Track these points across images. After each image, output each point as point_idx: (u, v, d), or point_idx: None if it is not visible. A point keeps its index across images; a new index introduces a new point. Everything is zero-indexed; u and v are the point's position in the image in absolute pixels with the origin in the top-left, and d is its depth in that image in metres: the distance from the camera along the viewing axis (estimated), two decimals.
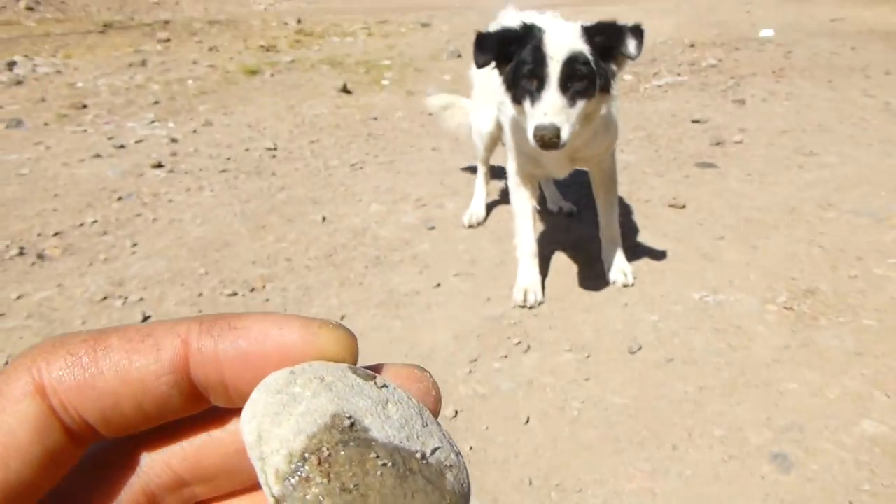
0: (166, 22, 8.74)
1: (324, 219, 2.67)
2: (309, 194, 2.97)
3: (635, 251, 2.32)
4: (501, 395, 1.59)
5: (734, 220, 2.59)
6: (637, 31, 1.69)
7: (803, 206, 2.71)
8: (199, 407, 0.25)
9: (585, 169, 2.19)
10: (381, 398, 0.24)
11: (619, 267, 2.13)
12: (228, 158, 3.64)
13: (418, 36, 8.28)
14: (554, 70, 1.65)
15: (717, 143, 3.60)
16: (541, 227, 2.60)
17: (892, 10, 10.36)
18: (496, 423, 1.51)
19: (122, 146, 4.02)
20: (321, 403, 0.22)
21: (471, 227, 2.55)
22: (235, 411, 0.25)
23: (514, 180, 2.13)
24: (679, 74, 5.76)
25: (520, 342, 1.80)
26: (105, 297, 2.10)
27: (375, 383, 0.24)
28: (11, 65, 7.07)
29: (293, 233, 2.55)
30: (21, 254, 2.48)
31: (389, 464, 0.22)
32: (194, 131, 4.38)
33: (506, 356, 1.74)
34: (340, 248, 2.41)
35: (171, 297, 2.10)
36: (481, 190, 2.67)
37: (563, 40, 1.68)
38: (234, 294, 2.10)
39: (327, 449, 0.22)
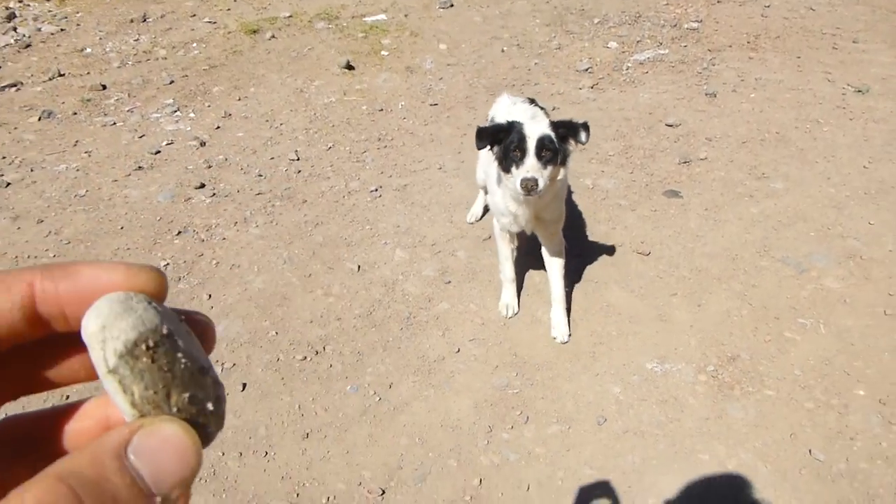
0: None
1: (359, 267, 3.29)
2: (341, 233, 3.56)
3: (607, 312, 3.01)
4: (510, 466, 2.33)
5: (687, 270, 3.26)
6: (586, 127, 2.46)
7: (744, 252, 3.37)
8: (45, 332, 0.36)
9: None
10: (186, 329, 0.37)
11: (562, 329, 2.89)
12: (260, 175, 4.16)
13: None
14: (532, 145, 2.39)
15: (685, 162, 4.18)
16: (536, 283, 3.26)
17: None
18: (508, 490, 2.26)
19: (157, 151, 4.49)
20: (151, 315, 0.34)
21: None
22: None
23: (498, 233, 2.94)
24: (660, 44, 6.14)
25: (521, 412, 2.53)
26: None
27: (181, 319, 0.38)
28: (10, 17, 7.21)
29: (336, 285, 3.19)
30: None
31: (190, 364, 0.35)
32: (218, 128, 4.82)
33: (512, 427, 2.47)
34: (377, 305, 3.06)
35: (255, 362, 2.77)
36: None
37: (537, 128, 2.43)
38: (305, 358, 2.78)
39: (153, 342, 0.33)
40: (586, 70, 5.63)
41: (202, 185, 4.04)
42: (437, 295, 3.12)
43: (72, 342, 0.36)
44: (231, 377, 2.70)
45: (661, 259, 3.34)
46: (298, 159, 4.34)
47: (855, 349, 2.81)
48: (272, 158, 4.38)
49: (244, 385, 2.67)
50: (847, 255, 3.36)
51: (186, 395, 0.34)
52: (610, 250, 3.40)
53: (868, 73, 5.56)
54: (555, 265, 2.90)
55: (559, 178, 2.53)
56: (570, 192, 3.65)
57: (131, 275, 0.36)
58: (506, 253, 2.97)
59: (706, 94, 5.12)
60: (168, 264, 3.37)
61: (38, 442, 0.38)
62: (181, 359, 0.35)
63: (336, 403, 2.59)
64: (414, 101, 5.17)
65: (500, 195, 2.72)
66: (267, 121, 4.92)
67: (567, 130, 2.46)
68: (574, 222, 3.60)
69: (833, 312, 3.00)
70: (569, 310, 2.99)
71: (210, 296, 3.14)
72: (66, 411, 0.39)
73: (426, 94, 5.29)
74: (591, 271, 3.26)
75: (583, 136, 2.45)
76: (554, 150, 2.40)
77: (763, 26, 6.65)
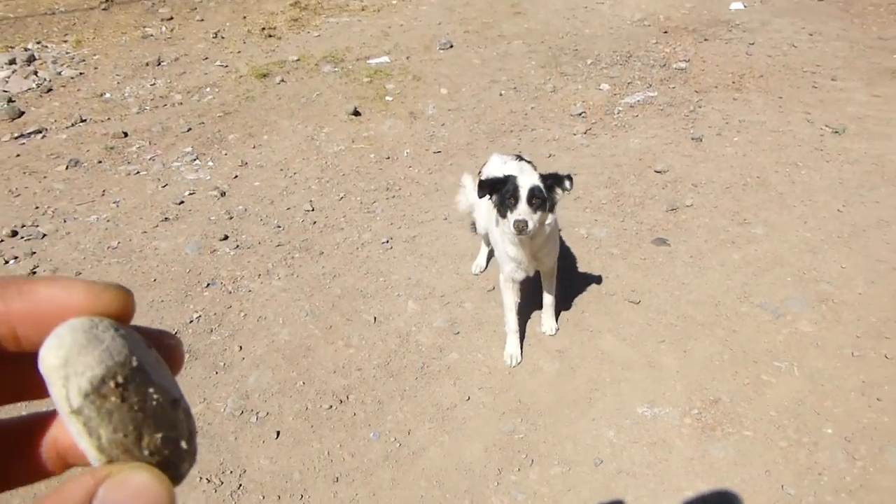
0: None
1: (375, 319, 3.61)
2: (356, 285, 3.88)
3: (602, 359, 3.33)
4: None
5: (674, 317, 3.58)
6: (570, 178, 2.89)
7: (726, 299, 3.70)
8: None
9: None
10: (155, 356, 0.35)
11: (549, 324, 3.48)
12: (278, 226, 4.49)
13: (409, 11, 8.72)
14: (524, 194, 2.80)
15: (672, 210, 4.51)
16: (537, 334, 3.59)
17: None
18: None
19: (181, 202, 4.81)
20: (118, 346, 0.31)
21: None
22: None
23: (503, 284, 3.31)
24: (650, 85, 6.50)
25: (526, 455, 2.84)
26: (242, 412, 3.08)
27: (148, 345, 0.35)
28: (31, 59, 7.53)
29: (355, 336, 3.51)
30: None
31: (161, 399, 0.33)
32: (236, 177, 5.15)
33: (518, 469, 2.79)
34: (393, 355, 3.38)
35: (286, 411, 3.09)
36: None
37: (528, 179, 2.84)
38: (331, 407, 3.10)
39: (122, 378, 0.31)
40: (580, 114, 5.98)
41: (225, 237, 4.37)
42: (448, 345, 3.44)
43: (17, 358, 0.34)
44: (266, 425, 3.01)
45: (650, 307, 3.66)
46: (313, 210, 4.67)
47: (825, 390, 3.13)
48: (288, 209, 4.71)
49: (278, 433, 2.98)
50: (820, 299, 3.69)
51: (159, 435, 0.32)
52: (604, 298, 3.72)
53: (845, 113, 5.92)
54: (548, 287, 3.43)
55: (547, 221, 2.96)
56: (566, 242, 4.00)
57: (93, 295, 0.33)
58: (510, 304, 3.33)
59: (692, 139, 5.47)
60: (200, 316, 3.69)
61: (11, 452, 0.36)
62: (153, 394, 0.32)
63: (361, 449, 2.91)
64: (418, 149, 5.51)
65: (500, 241, 3.13)
66: (281, 170, 5.25)
67: (554, 181, 2.88)
68: (571, 272, 3.93)
69: (806, 355, 3.33)
70: (558, 312, 3.33)
71: (241, 347, 3.46)
72: (39, 422, 0.37)
73: (429, 140, 5.63)
74: (586, 320, 3.58)
75: (567, 184, 2.88)
76: (542, 198, 2.82)
77: (748, 65, 7.02)
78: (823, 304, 3.66)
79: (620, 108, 6.08)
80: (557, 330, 3.50)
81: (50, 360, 0.30)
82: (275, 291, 3.86)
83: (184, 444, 0.34)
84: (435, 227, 4.44)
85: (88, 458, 0.31)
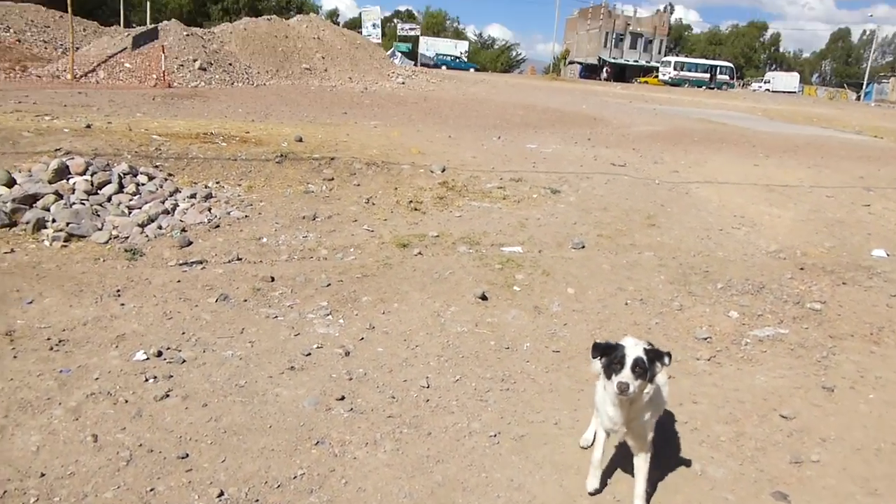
0: (332, 159, 10.15)
1: None
2: (458, 476, 3.88)
3: None
4: None
5: None
6: (669, 355, 3.33)
7: None
8: None
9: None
10: None
11: None
12: (392, 397, 4.64)
13: (547, 207, 9.24)
14: (629, 362, 3.15)
15: (796, 462, 4.25)
16: None
17: None
18: None
19: (308, 354, 5.11)
20: None
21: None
22: None
23: (597, 434, 3.75)
24: (781, 321, 6.37)
25: None
26: None
27: None
28: (208, 196, 8.53)
29: None
30: None
31: None
32: (362, 339, 5.44)
33: None
34: None
35: None
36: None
37: (634, 350, 3.20)
38: None
39: None
40: (705, 339, 5.93)
41: (342, 398, 4.56)
42: None
43: None
44: None
45: None
46: (428, 387, 4.81)
47: None
48: (405, 381, 4.89)
49: None
50: None
51: None
52: None
53: None
54: (641, 465, 3.61)
55: (646, 390, 3.33)
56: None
57: None
58: (596, 460, 3.74)
59: (823, 388, 5.23)
60: (304, 473, 3.79)
61: None
62: None
63: None
64: (538, 344, 5.62)
65: (602, 400, 3.54)
66: (405, 340, 5.51)
67: (655, 356, 3.32)
68: None
69: None
70: None
71: None
72: None
73: (550, 338, 5.75)
74: None
75: (666, 359, 3.34)
76: (644, 368, 3.24)
77: (888, 317, 6.76)
78: None
79: (748, 341, 5.97)
80: None
81: None
82: (378, 464, 3.93)
83: None
84: (545, 430, 4.42)
85: None
